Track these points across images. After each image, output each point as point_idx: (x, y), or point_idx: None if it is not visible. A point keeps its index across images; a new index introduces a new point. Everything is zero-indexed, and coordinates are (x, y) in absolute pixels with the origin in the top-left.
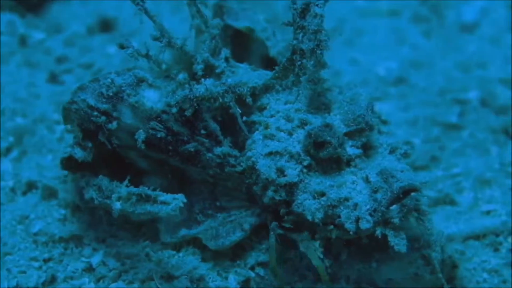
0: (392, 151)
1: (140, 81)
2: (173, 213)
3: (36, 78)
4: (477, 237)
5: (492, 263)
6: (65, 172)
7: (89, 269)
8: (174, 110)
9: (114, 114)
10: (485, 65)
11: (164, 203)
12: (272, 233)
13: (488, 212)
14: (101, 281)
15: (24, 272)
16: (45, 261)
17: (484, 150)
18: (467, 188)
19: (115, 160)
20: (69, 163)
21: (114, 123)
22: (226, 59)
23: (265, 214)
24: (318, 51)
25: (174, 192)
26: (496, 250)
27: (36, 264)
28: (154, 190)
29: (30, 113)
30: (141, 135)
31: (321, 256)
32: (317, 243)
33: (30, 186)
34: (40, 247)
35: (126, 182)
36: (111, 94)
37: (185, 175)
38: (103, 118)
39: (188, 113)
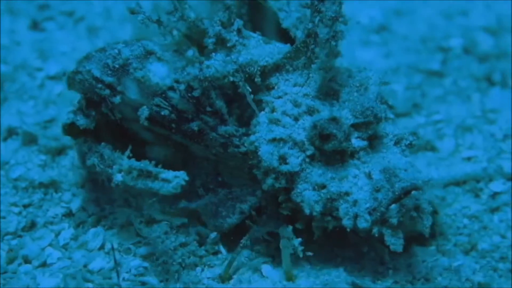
0: (397, 142)
1: (149, 53)
2: (174, 191)
3: (18, 25)
4: (457, 183)
5: (472, 209)
6: (46, 118)
7: (69, 214)
8: (182, 87)
9: (119, 88)
10: (468, 12)
11: (165, 180)
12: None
13: (469, 158)
14: (81, 226)
15: (4, 217)
16: (25, 206)
17: (466, 97)
18: (448, 134)
19: (119, 128)
20: (71, 129)
21: (118, 97)
22: (239, 31)
23: (265, 197)
24: (333, 42)
25: (177, 164)
26: (477, 196)
27: (16, 209)
28: (157, 162)
29: (11, 60)
30: (144, 111)
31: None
32: (297, 241)
33: (11, 132)
34: (20, 192)
35: (127, 152)
36: (117, 66)
37: (188, 150)
38: (107, 91)
39: (196, 93)
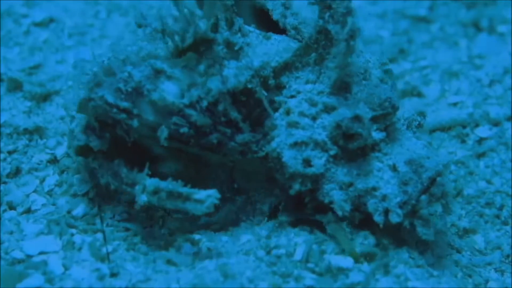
0: (408, 126)
1: (158, 72)
2: (208, 211)
3: None
4: (443, 129)
5: (458, 155)
6: (31, 64)
7: (54, 160)
8: (204, 103)
9: (134, 111)
10: None
11: (198, 201)
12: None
13: (455, 104)
14: (65, 172)
15: None
16: (10, 152)
17: (453, 43)
18: (434, 80)
19: (127, 144)
20: (84, 150)
21: (135, 121)
22: (240, 29)
23: (285, 196)
24: (352, 42)
25: (190, 177)
26: (463, 141)
27: (1, 155)
28: (170, 177)
29: None
30: (164, 132)
31: (350, 237)
32: (344, 224)
33: None
34: (5, 138)
35: (146, 170)
36: (129, 89)
37: (201, 159)
38: (123, 115)
39: (221, 107)
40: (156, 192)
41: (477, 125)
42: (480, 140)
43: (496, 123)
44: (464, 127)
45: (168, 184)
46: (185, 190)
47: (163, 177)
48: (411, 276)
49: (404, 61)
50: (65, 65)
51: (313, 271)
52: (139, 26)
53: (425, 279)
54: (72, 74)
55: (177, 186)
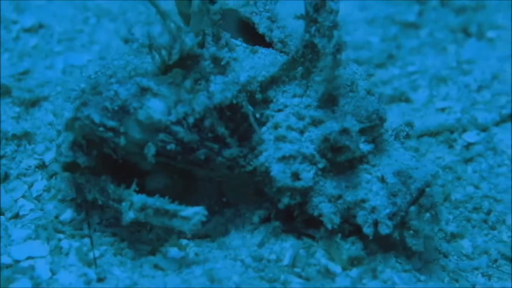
0: (396, 136)
1: (144, 90)
2: (195, 228)
3: None
4: (431, 134)
5: (446, 160)
6: (20, 70)
7: (42, 166)
8: (191, 120)
9: (121, 129)
10: None
11: (185, 218)
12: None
13: (443, 109)
14: (54, 177)
15: None
16: None
17: (441, 49)
18: (423, 85)
19: (114, 160)
20: (71, 166)
21: (122, 138)
22: (226, 44)
23: (273, 208)
24: (338, 56)
25: (177, 191)
26: (451, 147)
27: None
28: (157, 192)
29: None
30: (151, 149)
31: (345, 254)
32: (338, 237)
33: None
34: None
35: (134, 187)
36: (116, 108)
37: (189, 173)
38: (110, 133)
39: (207, 122)
40: (143, 208)
41: (465, 130)
42: (468, 145)
43: (484, 129)
44: (452, 132)
45: (155, 201)
46: (172, 207)
47: (150, 193)
48: (398, 281)
49: (392, 66)
50: (54, 70)
51: (299, 276)
52: (126, 41)
53: (412, 283)
54: (62, 80)
55: (164, 203)
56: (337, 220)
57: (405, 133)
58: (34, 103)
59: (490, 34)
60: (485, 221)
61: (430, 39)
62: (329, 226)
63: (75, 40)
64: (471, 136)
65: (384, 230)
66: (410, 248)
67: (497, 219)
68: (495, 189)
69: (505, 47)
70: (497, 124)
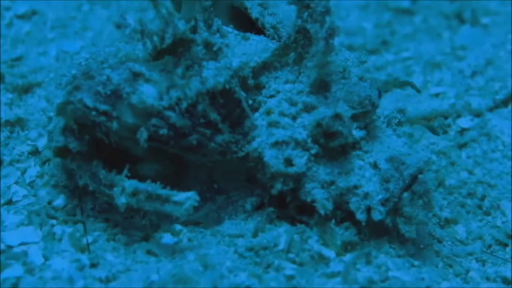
0: (388, 123)
1: (136, 75)
2: (187, 213)
3: None
4: (426, 119)
5: (440, 145)
6: (13, 56)
7: (35, 152)
8: (184, 104)
9: (114, 113)
10: None
11: (177, 203)
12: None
13: (437, 95)
14: (47, 164)
15: None
16: None
17: (435, 35)
18: (417, 71)
19: (106, 146)
20: (62, 151)
21: (115, 123)
22: (218, 30)
23: (266, 195)
24: (331, 41)
25: (169, 177)
26: (445, 132)
27: None
28: (149, 178)
29: None
30: (143, 134)
31: (339, 239)
32: (332, 223)
33: None
34: None
35: (126, 172)
36: (108, 92)
37: (181, 159)
38: (102, 117)
39: (201, 107)
40: (135, 194)
41: (458, 116)
42: (462, 131)
43: (477, 114)
44: (446, 117)
45: (147, 186)
46: (164, 192)
47: (142, 179)
48: (392, 266)
49: (386, 52)
50: (47, 57)
51: (293, 261)
52: (118, 27)
53: (406, 269)
54: (55, 66)
55: (156, 188)
56: (329, 206)
57: (397, 120)
58: (27, 90)
59: (484, 20)
60: (479, 207)
61: (424, 25)
62: (322, 212)
63: (68, 27)
64: (465, 121)
65: (376, 216)
66: (403, 234)
67: (491, 204)
68: (489, 175)
69: (499, 33)
70: (491, 109)
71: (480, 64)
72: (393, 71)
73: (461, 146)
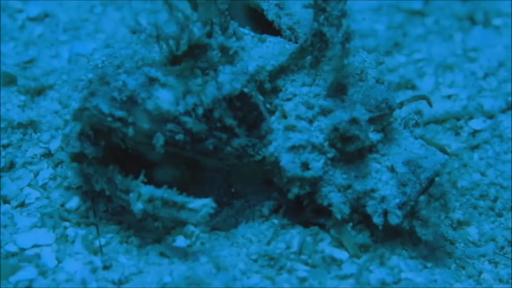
0: (405, 125)
1: (152, 80)
2: (203, 220)
3: None
4: (437, 121)
5: (452, 147)
6: (25, 59)
7: (48, 154)
8: (200, 110)
9: (130, 119)
10: None
11: (193, 210)
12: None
13: (449, 96)
14: (59, 166)
15: None
16: (4, 147)
17: (448, 36)
18: (429, 73)
19: (122, 151)
20: (78, 157)
21: (131, 129)
22: (234, 33)
23: (283, 199)
24: (347, 45)
25: (186, 182)
26: (457, 134)
27: None
28: (165, 184)
29: None
30: (160, 139)
31: (356, 241)
32: (349, 226)
33: None
34: None
35: (142, 177)
36: (124, 98)
37: (198, 164)
38: (118, 123)
39: (216, 113)
40: (151, 200)
41: (471, 118)
42: (474, 133)
43: (490, 116)
44: (458, 119)
45: (163, 193)
46: (180, 198)
47: (158, 184)
48: (404, 268)
49: (398, 54)
50: (60, 59)
51: (306, 263)
52: (134, 32)
53: (419, 270)
54: (67, 68)
55: (172, 195)
56: (346, 210)
57: (414, 121)
58: (39, 92)
59: (496, 21)
60: (492, 208)
61: (436, 26)
62: (339, 216)
63: (80, 29)
64: (477, 123)
65: (394, 220)
66: (416, 236)
67: (504, 206)
68: (501, 176)
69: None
70: (503, 111)
71: (492, 66)
72: (405, 73)
73: (474, 148)
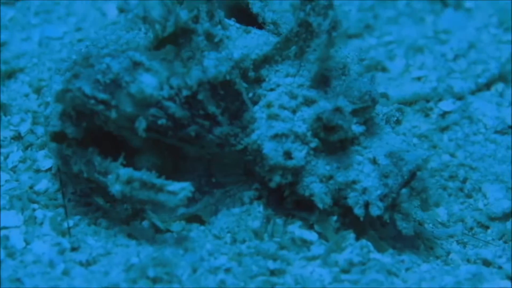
0: (387, 121)
1: (136, 64)
2: (181, 203)
3: None
4: (407, 103)
5: (422, 129)
6: None
7: (18, 137)
8: (184, 93)
9: (113, 102)
10: None
11: (171, 192)
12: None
13: (419, 78)
14: (29, 148)
15: None
16: None
17: (419, 19)
18: (399, 55)
19: (103, 135)
20: (58, 136)
21: (113, 112)
22: (220, 22)
23: (264, 189)
24: (333, 33)
25: (167, 171)
26: (427, 115)
27: None
28: (148, 170)
29: None
30: (142, 123)
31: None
32: (332, 221)
33: None
34: None
35: (121, 160)
36: (108, 81)
37: (179, 152)
38: (101, 106)
39: (200, 97)
40: (129, 181)
41: (440, 99)
42: (444, 114)
43: (460, 97)
44: (427, 101)
45: (142, 174)
46: (159, 181)
47: (138, 169)
48: (373, 248)
49: (369, 36)
50: (30, 42)
51: (274, 245)
52: (121, 11)
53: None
54: (38, 51)
55: (151, 177)
56: (328, 200)
57: (395, 118)
58: (10, 75)
59: (468, 4)
60: (461, 189)
61: (407, 9)
62: (321, 206)
63: (52, 12)
64: (447, 104)
65: (375, 211)
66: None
67: (473, 187)
68: (470, 157)
69: (482, 17)
70: (473, 92)
71: (462, 48)
72: (375, 55)
73: (443, 129)
